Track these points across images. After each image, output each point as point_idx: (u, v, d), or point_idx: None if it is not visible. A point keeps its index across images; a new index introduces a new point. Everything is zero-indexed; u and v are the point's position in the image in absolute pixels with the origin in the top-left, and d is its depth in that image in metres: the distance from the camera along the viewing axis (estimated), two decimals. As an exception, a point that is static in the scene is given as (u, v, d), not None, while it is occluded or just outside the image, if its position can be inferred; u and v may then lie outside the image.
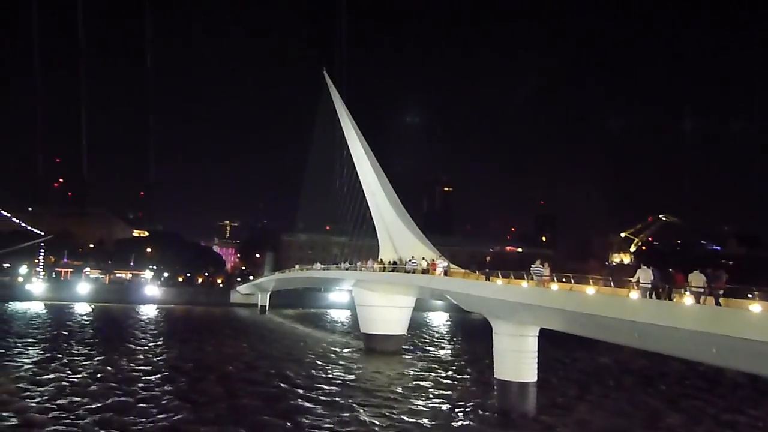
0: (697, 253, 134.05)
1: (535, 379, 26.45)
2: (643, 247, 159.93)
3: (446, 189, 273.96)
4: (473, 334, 62.88)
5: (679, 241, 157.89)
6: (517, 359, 26.44)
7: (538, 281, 23.32)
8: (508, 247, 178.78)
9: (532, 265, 24.01)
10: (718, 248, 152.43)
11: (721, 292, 15.97)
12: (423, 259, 40.41)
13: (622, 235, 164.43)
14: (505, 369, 26.70)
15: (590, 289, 20.97)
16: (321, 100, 63.29)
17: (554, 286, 22.82)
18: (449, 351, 50.95)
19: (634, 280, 18.56)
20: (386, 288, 44.87)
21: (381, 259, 45.48)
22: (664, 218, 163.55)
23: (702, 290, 16.20)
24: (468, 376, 36.62)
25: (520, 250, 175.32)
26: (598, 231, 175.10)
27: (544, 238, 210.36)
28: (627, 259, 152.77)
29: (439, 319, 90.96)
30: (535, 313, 24.19)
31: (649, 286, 17.92)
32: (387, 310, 46.23)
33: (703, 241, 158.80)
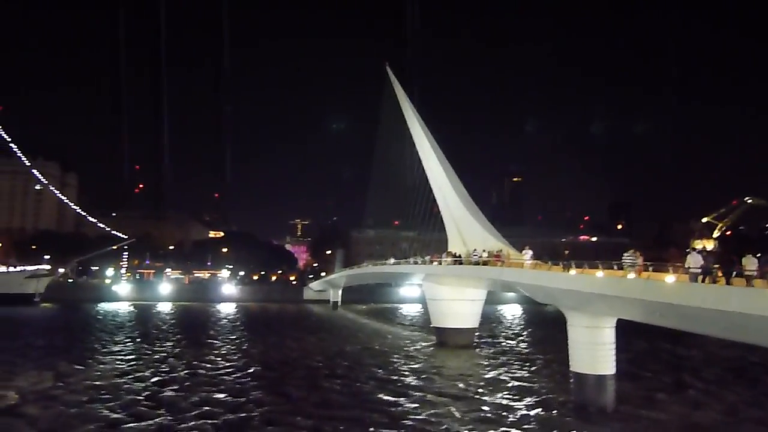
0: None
1: (613, 371, 25.75)
2: (728, 233, 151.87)
3: (516, 179, 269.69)
4: (547, 327, 61.81)
5: (767, 226, 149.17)
6: (593, 351, 25.82)
7: (631, 271, 21.93)
8: (581, 237, 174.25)
9: (625, 254, 22.69)
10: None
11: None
12: (483, 251, 40.40)
13: (704, 220, 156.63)
14: (582, 361, 26.14)
15: (669, 278, 20.23)
16: (385, 95, 63.61)
17: (631, 275, 22.13)
18: (523, 344, 50.30)
19: (686, 265, 18.77)
20: (456, 281, 44.72)
21: (451, 252, 45.25)
22: (750, 201, 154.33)
23: (754, 273, 15.98)
24: (543, 369, 36.07)
25: (594, 239, 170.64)
26: (678, 217, 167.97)
27: (619, 227, 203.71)
28: (710, 246, 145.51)
29: (511, 312, 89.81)
30: (611, 304, 23.56)
31: (699, 271, 18.01)
32: (458, 304, 46.07)
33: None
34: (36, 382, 30.18)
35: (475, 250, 41.57)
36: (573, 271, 26.60)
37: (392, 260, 63.86)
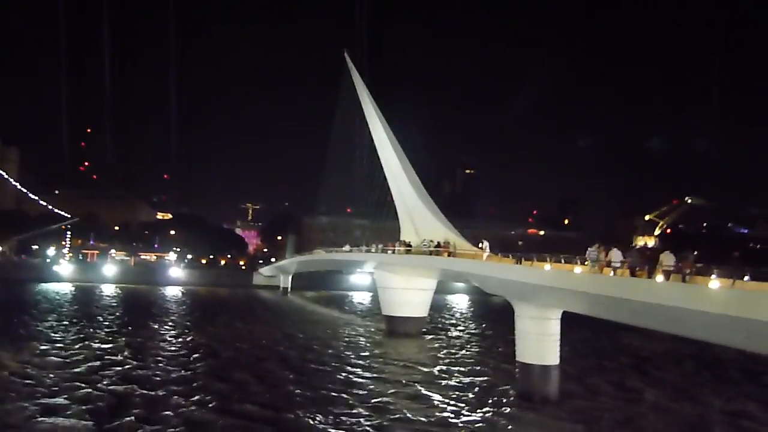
0: (724, 236, 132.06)
1: (557, 362, 26.41)
2: (668, 230, 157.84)
3: (468, 171, 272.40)
4: (494, 317, 62.95)
5: (705, 224, 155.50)
6: (539, 342, 26.41)
7: (593, 266, 21.78)
8: (530, 230, 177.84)
9: (589, 248, 22.47)
10: (746, 231, 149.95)
11: (688, 271, 17.58)
12: (431, 241, 40.97)
13: (647, 218, 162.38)
14: (527, 352, 26.69)
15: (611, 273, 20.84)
16: (342, 83, 63.12)
17: (577, 269, 22.67)
18: (470, 333, 51.06)
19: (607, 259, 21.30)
20: (408, 270, 44.98)
21: (404, 241, 45.44)
22: (690, 200, 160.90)
23: (671, 269, 18.01)
24: (490, 359, 36.70)
25: (542, 232, 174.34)
26: (623, 214, 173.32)
27: (566, 221, 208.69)
28: (651, 243, 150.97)
29: (460, 302, 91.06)
30: (558, 296, 24.11)
31: (618, 265, 20.49)
32: (409, 293, 46.39)
33: (730, 224, 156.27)
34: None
35: (424, 240, 41.96)
36: (521, 264, 27.15)
37: (347, 247, 63.50)
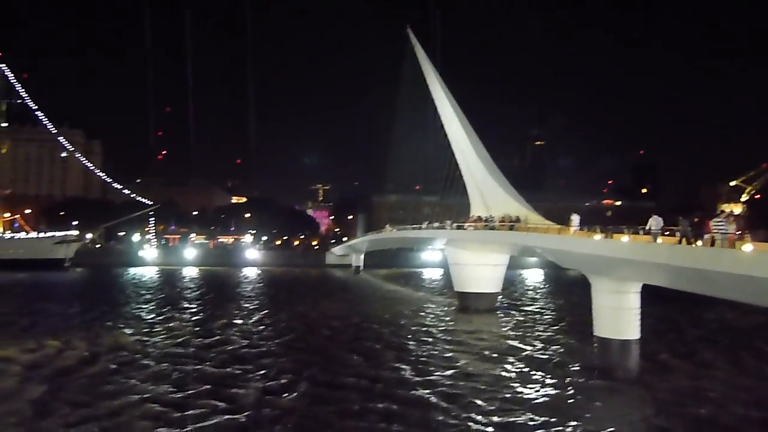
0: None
1: (637, 336, 25.59)
2: (757, 196, 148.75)
3: (538, 143, 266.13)
4: (570, 291, 61.63)
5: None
6: (617, 316, 25.66)
7: (723, 239, 18.36)
8: (605, 201, 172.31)
9: (714, 220, 19.10)
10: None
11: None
12: (492, 216, 41.15)
13: (732, 183, 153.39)
14: (605, 326, 26.01)
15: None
16: (406, 59, 62.61)
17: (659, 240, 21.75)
18: (545, 308, 50.26)
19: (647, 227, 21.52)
20: (479, 246, 44.60)
21: (481, 216, 44.99)
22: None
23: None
24: (566, 334, 36.03)
25: (618, 203, 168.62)
26: (705, 181, 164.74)
27: (644, 190, 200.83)
28: (738, 210, 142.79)
29: (533, 276, 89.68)
30: (636, 269, 23.28)
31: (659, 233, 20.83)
32: (480, 268, 46.01)
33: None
34: (72, 346, 30.92)
35: (490, 216, 41.69)
36: (597, 236, 26.31)
37: (424, 224, 62.88)
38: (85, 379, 23.70)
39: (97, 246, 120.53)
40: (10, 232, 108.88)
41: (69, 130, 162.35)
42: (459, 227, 47.29)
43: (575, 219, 30.03)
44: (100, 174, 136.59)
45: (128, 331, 35.53)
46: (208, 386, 22.66)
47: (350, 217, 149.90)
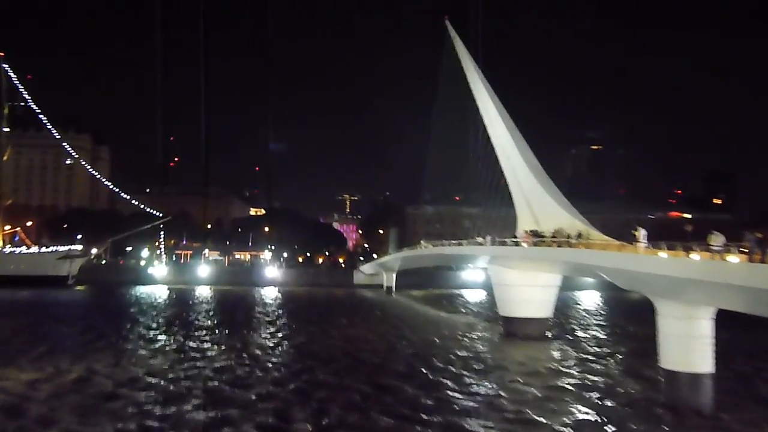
0: None
1: (710, 369, 24.98)
2: None
3: (594, 147, 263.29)
4: (632, 316, 60.65)
5: None
6: (687, 345, 25.10)
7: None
8: (672, 213, 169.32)
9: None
10: None
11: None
12: (525, 231, 41.26)
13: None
14: (673, 357, 25.48)
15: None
16: (444, 55, 62.77)
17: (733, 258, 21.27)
18: (603, 336, 49.50)
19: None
20: (528, 265, 44.25)
21: (534, 231, 44.54)
22: None
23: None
24: (627, 365, 35.40)
25: (688, 215, 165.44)
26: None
27: (718, 201, 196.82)
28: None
29: (589, 299, 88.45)
30: (709, 291, 22.77)
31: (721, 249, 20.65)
32: (529, 290, 45.62)
33: None
34: (67, 371, 31.55)
35: (527, 231, 41.63)
36: (663, 254, 25.85)
37: (465, 242, 62.50)
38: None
39: (103, 262, 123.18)
40: (10, 246, 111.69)
41: (75, 135, 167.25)
42: (502, 243, 46.94)
43: (642, 234, 28.85)
44: (108, 183, 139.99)
45: (128, 364, 34.38)
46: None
47: (381, 231, 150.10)
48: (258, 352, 39.11)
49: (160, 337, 44.60)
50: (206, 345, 41.55)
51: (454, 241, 65.12)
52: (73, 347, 39.27)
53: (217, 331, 48.12)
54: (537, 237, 42.28)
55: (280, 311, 67.34)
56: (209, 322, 55.30)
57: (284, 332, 47.54)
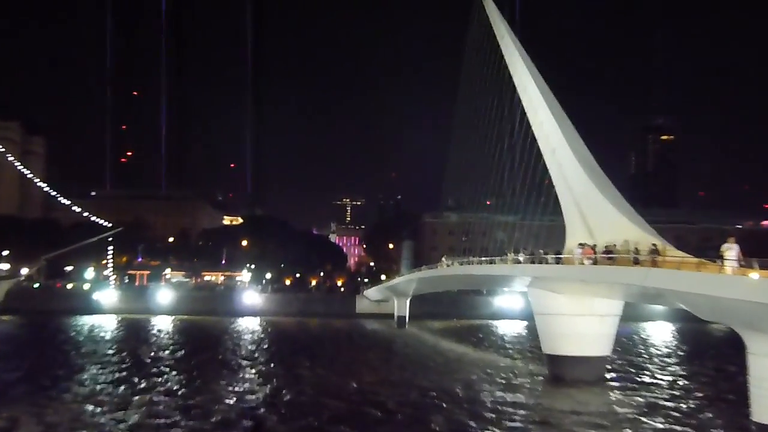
0: None
1: (818, 424, 24.86)
2: None
3: (665, 138, 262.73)
4: (714, 354, 60.36)
5: None
6: (788, 394, 24.99)
7: None
8: (766, 222, 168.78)
9: None
10: None
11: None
12: (580, 245, 41.31)
13: None
14: (769, 408, 25.35)
15: None
16: (474, 26, 62.94)
17: None
18: (677, 380, 49.20)
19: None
20: (579, 288, 44.08)
21: (592, 247, 44.29)
22: None
23: None
24: (709, 420, 35.15)
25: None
26: None
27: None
28: None
29: (659, 333, 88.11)
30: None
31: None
32: (581, 321, 45.38)
33: None
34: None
35: (580, 245, 41.78)
36: (755, 274, 25.73)
37: (498, 259, 62.48)
38: None
39: (36, 285, 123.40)
40: None
41: (1, 123, 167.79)
42: (557, 260, 46.68)
43: (731, 250, 28.10)
44: (42, 184, 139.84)
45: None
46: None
47: (390, 245, 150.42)
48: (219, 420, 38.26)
49: (94, 389, 43.90)
50: (155, 408, 40.62)
51: (484, 258, 65.01)
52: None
53: (170, 383, 46.90)
54: (607, 252, 41.70)
55: (261, 351, 66.86)
56: (165, 367, 54.27)
57: (263, 385, 46.44)
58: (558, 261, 45.03)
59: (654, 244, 38.18)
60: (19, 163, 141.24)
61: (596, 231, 44.68)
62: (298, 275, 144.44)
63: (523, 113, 52.37)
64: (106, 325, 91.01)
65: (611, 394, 43.08)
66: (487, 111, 61.06)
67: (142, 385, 44.85)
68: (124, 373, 49.58)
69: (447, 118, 74.55)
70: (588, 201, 46.31)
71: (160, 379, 47.82)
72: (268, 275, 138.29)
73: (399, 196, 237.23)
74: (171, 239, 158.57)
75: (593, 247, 42.12)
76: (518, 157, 55.19)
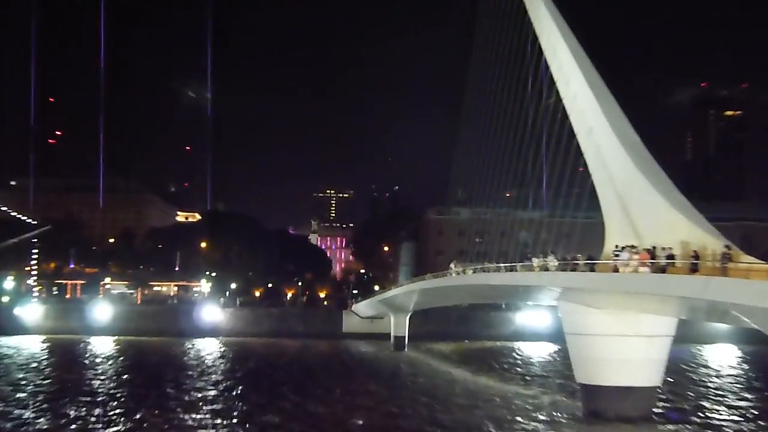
0: None
1: None
2: None
3: (729, 113, 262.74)
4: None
5: None
6: None
7: None
8: None
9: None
10: None
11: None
12: (618, 249, 41.58)
13: None
14: None
15: None
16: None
17: None
18: (744, 418, 49.34)
19: None
20: (622, 302, 44.01)
21: (647, 250, 44.09)
22: None
23: None
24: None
25: None
26: None
27: None
28: None
29: (723, 357, 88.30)
30: None
31: None
32: (624, 343, 45.31)
33: None
34: None
35: (617, 247, 41.95)
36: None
37: (520, 265, 62.51)
38: None
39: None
40: None
41: None
42: (589, 266, 46.70)
43: None
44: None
45: None
46: None
47: (386, 248, 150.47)
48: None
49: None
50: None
51: (503, 265, 64.92)
52: None
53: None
54: (669, 258, 41.46)
55: (223, 385, 66.39)
56: (96, 407, 52.97)
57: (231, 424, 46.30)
58: (593, 268, 44.96)
59: (727, 247, 37.92)
60: None
61: (643, 230, 44.62)
62: (270, 285, 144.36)
63: (552, 83, 52.32)
64: (28, 348, 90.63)
65: (663, 432, 43.25)
66: (506, 81, 61.04)
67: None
68: (40, 416, 47.61)
69: (456, 90, 74.25)
70: (633, 193, 46.28)
71: (88, 425, 46.76)
72: (233, 285, 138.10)
73: (396, 187, 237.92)
74: (111, 240, 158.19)
75: (651, 251, 41.88)
76: (546, 139, 55.14)
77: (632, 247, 42.66)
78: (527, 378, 70.89)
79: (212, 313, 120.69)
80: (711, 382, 66.96)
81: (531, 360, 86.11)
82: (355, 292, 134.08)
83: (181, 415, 48.41)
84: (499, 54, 61.69)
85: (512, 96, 60.57)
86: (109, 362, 78.44)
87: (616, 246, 44.50)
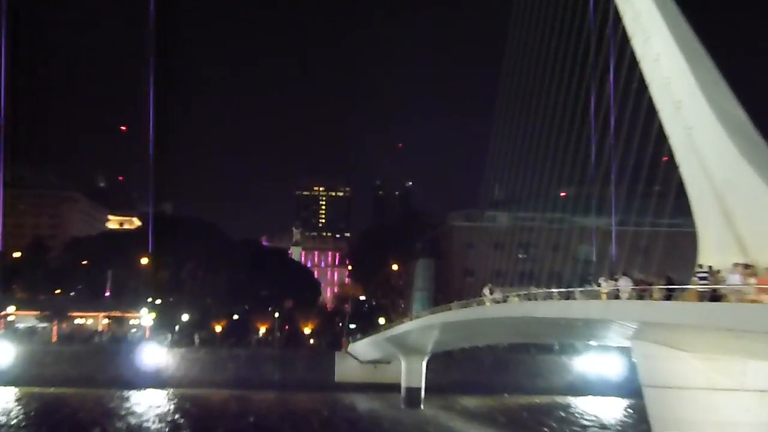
0: None
1: None
2: None
3: None
4: None
5: None
6: None
7: None
8: None
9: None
10: None
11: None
12: (735, 266, 40.34)
13: None
14: None
15: None
16: None
17: None
18: None
19: None
20: (721, 343, 43.78)
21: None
22: None
23: None
24: None
25: None
26: None
27: None
28: None
29: None
30: None
31: None
32: (725, 399, 45.22)
33: None
34: None
35: (701, 266, 41.77)
36: None
37: (579, 291, 62.43)
38: None
39: None
40: None
41: None
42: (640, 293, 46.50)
43: None
44: None
45: None
46: None
47: (394, 266, 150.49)
48: None
49: None
50: None
51: (556, 290, 64.72)
52: None
53: None
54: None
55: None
56: None
57: None
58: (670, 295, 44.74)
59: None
60: None
61: (752, 242, 44.37)
62: (235, 317, 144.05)
63: (626, 40, 52.27)
64: None
65: None
66: (560, 40, 61.11)
67: None
68: None
69: (493, 50, 74.35)
70: (738, 192, 46.07)
71: None
72: (185, 317, 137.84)
73: (409, 183, 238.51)
74: (16, 255, 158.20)
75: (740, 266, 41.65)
76: (615, 118, 55.09)
77: (746, 266, 42.33)
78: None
79: (156, 354, 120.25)
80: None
81: (596, 420, 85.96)
82: (352, 326, 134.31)
83: None
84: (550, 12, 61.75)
85: (568, 61, 60.53)
86: (6, 426, 77.65)
87: (700, 266, 44.23)
